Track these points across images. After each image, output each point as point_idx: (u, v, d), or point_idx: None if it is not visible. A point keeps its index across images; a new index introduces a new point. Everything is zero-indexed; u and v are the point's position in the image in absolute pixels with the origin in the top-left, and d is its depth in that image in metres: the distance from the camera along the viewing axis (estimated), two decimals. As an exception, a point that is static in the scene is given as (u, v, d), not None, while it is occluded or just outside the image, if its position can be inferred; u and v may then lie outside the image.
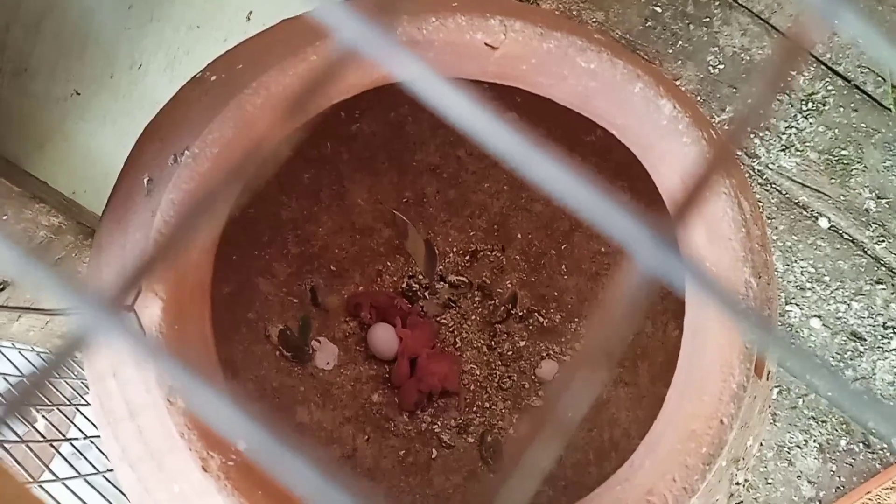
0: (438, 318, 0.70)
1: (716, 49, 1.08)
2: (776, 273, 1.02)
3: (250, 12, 0.68)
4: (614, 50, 0.50)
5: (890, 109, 1.05)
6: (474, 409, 0.67)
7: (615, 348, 0.09)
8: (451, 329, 0.69)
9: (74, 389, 0.76)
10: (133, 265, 0.10)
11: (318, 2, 0.11)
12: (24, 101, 0.56)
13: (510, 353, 0.69)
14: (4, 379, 0.68)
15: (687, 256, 0.09)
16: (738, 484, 0.91)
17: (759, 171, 1.04)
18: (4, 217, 0.48)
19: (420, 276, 0.71)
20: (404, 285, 0.71)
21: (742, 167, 1.04)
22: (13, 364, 0.69)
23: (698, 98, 1.05)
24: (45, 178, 0.60)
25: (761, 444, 0.95)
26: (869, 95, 1.05)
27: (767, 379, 0.55)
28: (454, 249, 0.71)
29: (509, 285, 0.71)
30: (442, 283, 0.71)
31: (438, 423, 0.66)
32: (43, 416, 0.67)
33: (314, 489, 0.09)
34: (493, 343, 0.70)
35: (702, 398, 0.46)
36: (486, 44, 0.47)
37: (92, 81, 0.61)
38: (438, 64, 0.49)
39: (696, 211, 0.38)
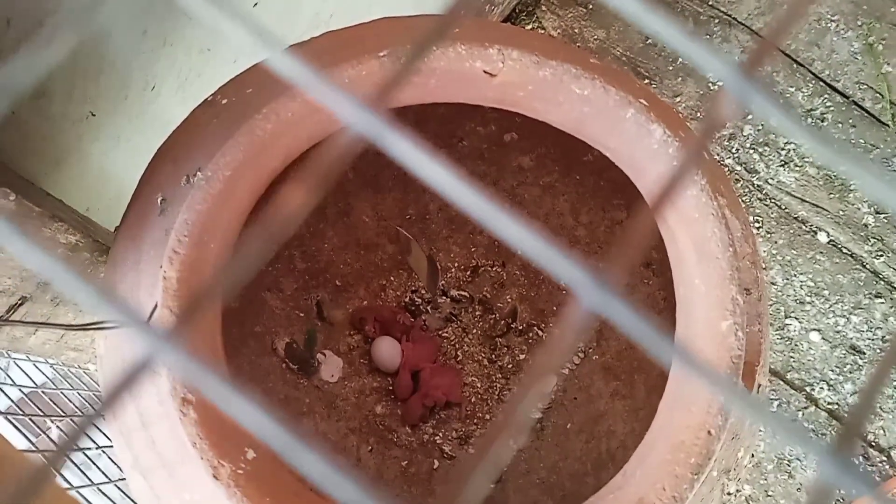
0: (440, 332, 0.73)
1: (715, 66, 1.11)
2: (775, 287, 1.04)
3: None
4: (608, 76, 0.53)
5: (888, 125, 1.08)
6: (475, 420, 0.70)
7: (551, 377, 0.12)
8: (452, 342, 0.72)
9: (85, 399, 0.79)
10: (196, 295, 0.12)
11: (274, 52, 0.13)
12: (42, 122, 0.59)
13: (510, 366, 0.72)
14: (20, 390, 0.71)
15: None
16: (729, 494, 0.94)
17: (758, 186, 1.06)
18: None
19: (423, 291, 0.74)
20: (407, 300, 0.74)
21: (741, 182, 1.07)
22: (28, 376, 0.72)
23: (698, 114, 1.08)
24: (61, 196, 0.63)
25: (752, 456, 0.98)
26: (867, 111, 1.08)
27: (758, 392, 0.58)
28: (456, 265, 0.74)
29: (509, 300, 0.74)
30: (444, 297, 0.74)
31: (440, 434, 0.69)
32: (56, 425, 0.70)
33: (330, 481, 0.12)
34: (493, 356, 0.73)
35: (690, 410, 0.49)
36: (484, 71, 0.50)
37: (107, 103, 0.64)
38: (440, 90, 0.52)
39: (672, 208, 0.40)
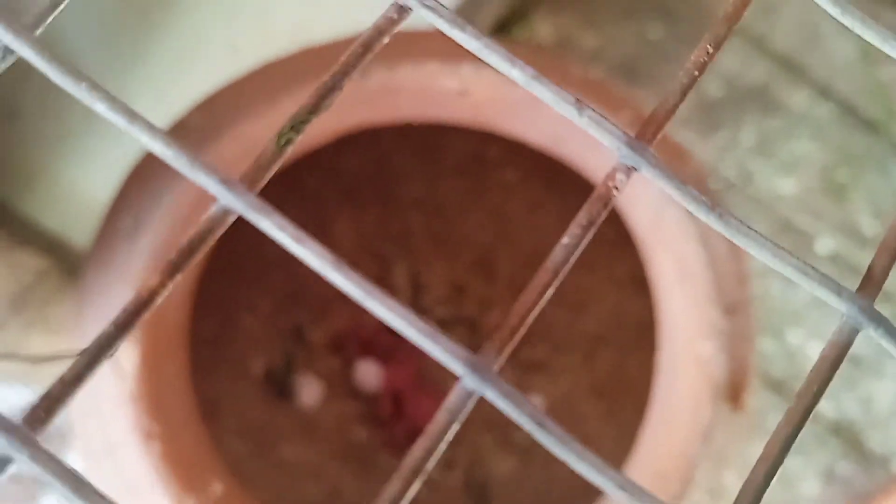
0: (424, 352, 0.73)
1: (709, 71, 1.10)
2: (773, 298, 1.04)
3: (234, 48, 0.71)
4: (587, 91, 0.53)
5: (886, 131, 1.07)
6: (459, 444, 0.70)
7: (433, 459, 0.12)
8: (436, 363, 0.72)
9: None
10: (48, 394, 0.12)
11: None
12: (13, 141, 0.59)
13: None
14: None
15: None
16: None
17: (754, 195, 1.06)
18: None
19: (406, 310, 0.73)
20: (390, 318, 0.73)
21: (737, 192, 1.06)
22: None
23: (691, 119, 1.07)
24: (33, 216, 0.63)
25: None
26: (864, 117, 1.08)
27: (744, 410, 0.57)
28: (440, 283, 0.74)
29: (496, 319, 0.73)
30: (428, 316, 0.73)
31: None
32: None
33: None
34: (478, 376, 0.72)
35: (671, 436, 0.48)
36: (457, 90, 0.50)
37: (80, 122, 0.64)
38: (412, 109, 0.52)
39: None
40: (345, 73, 0.13)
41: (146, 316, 0.12)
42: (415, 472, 0.11)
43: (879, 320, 0.13)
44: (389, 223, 0.73)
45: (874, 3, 1.10)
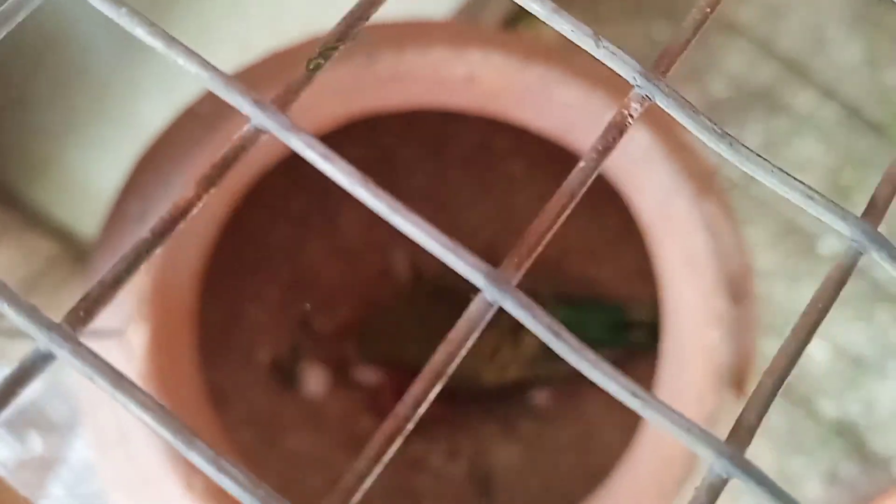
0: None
1: (716, 72, 1.11)
2: (776, 299, 1.04)
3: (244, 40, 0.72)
4: (594, 79, 0.54)
5: (891, 134, 1.08)
6: (464, 433, 0.70)
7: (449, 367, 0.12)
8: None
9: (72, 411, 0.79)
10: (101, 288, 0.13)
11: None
12: (23, 130, 0.60)
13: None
14: None
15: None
16: None
17: (758, 196, 1.06)
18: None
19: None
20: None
21: (741, 193, 1.07)
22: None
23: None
24: (42, 205, 0.63)
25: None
26: (869, 120, 1.08)
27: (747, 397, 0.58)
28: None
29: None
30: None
31: (428, 446, 0.69)
32: (41, 437, 0.71)
33: None
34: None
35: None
36: (465, 77, 0.50)
37: (89, 111, 0.65)
38: (419, 96, 0.52)
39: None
40: (372, 3, 0.14)
41: (182, 226, 0.13)
42: (437, 375, 0.12)
43: (882, 243, 0.13)
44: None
45: (878, 6, 1.11)
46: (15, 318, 0.11)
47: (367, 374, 0.69)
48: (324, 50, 0.13)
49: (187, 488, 0.46)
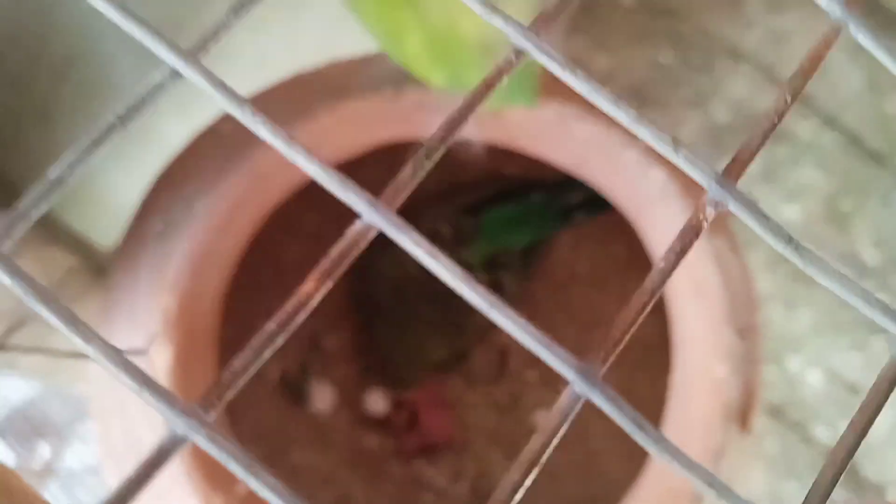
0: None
1: (720, 98, 1.13)
2: (775, 323, 1.06)
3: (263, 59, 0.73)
4: (607, 118, 0.55)
5: (891, 163, 1.09)
6: (469, 455, 0.71)
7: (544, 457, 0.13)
8: (453, 386, 0.73)
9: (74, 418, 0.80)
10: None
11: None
12: (46, 144, 0.61)
13: (505, 402, 0.73)
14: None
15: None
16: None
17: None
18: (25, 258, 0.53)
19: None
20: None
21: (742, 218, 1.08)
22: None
23: (698, 144, 1.09)
24: (61, 217, 0.64)
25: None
26: (869, 148, 1.10)
27: (751, 432, 0.59)
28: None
29: (504, 338, 0.75)
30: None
31: (433, 468, 0.70)
32: (42, 444, 0.71)
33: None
34: (487, 390, 0.74)
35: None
36: (487, 111, 0.52)
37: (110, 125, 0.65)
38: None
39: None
40: (471, 106, 0.15)
41: (301, 317, 0.14)
42: (532, 463, 0.13)
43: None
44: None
45: (881, 34, 1.12)
46: (150, 400, 0.13)
47: (375, 399, 0.70)
48: (428, 152, 0.14)
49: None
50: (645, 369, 0.71)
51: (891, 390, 0.14)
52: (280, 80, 0.59)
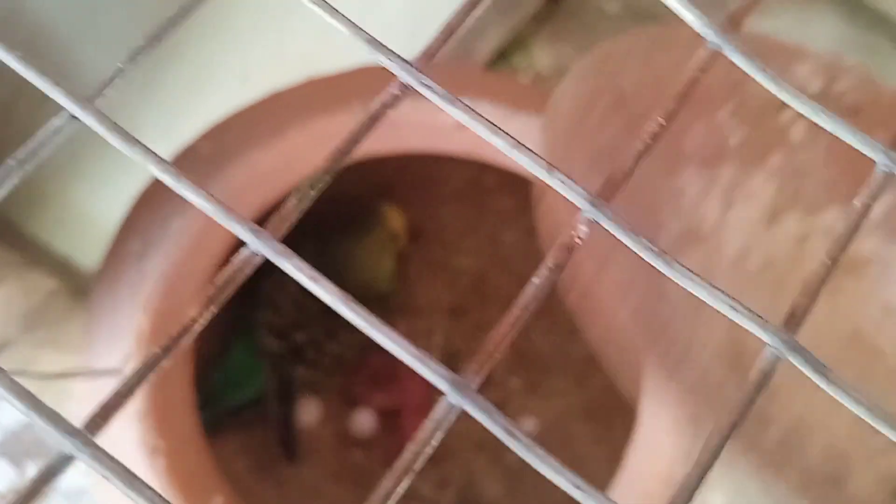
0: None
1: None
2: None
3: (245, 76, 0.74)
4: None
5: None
6: (454, 463, 0.72)
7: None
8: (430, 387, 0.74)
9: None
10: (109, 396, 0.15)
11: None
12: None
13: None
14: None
15: None
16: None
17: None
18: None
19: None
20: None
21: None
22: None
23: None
24: (41, 238, 0.66)
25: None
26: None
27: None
28: (437, 308, 0.77)
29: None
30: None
31: (418, 477, 0.71)
32: (34, 466, 0.73)
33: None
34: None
35: (657, 457, 0.51)
36: (455, 125, 0.53)
37: (90, 144, 0.67)
38: (412, 140, 0.55)
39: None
40: (354, 141, 0.16)
41: (186, 341, 0.15)
42: (405, 471, 0.14)
43: (800, 350, 0.16)
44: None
45: (870, 32, 1.13)
46: (38, 422, 0.14)
47: (363, 417, 0.71)
48: (313, 183, 0.15)
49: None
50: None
51: (758, 395, 0.15)
52: (254, 100, 0.60)
